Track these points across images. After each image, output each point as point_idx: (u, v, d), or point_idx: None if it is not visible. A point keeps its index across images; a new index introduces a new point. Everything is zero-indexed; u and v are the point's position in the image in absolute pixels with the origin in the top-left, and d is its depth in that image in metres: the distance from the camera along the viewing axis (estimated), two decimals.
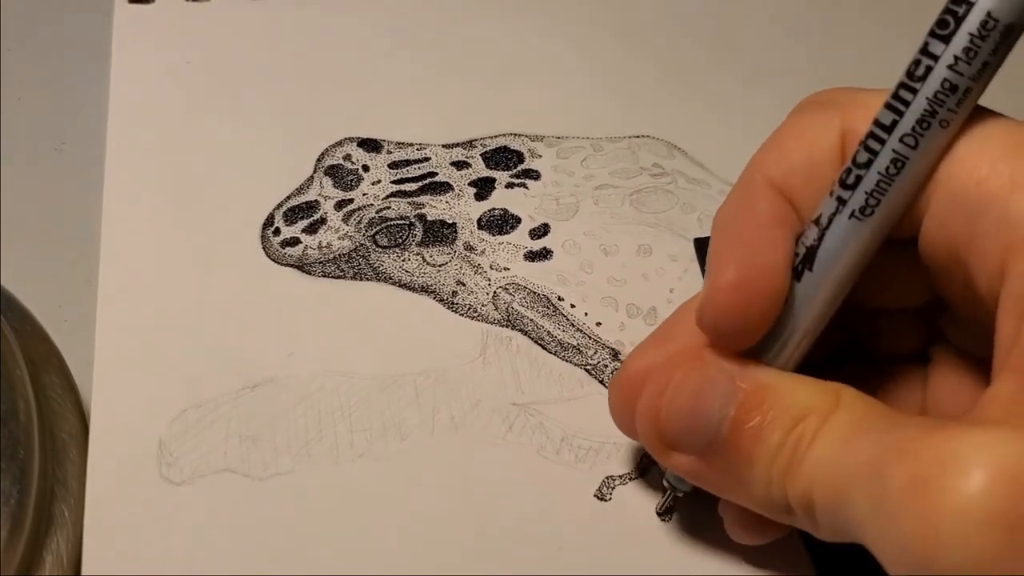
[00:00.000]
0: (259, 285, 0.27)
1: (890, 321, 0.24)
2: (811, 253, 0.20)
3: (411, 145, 0.31)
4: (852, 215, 0.20)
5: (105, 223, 0.28)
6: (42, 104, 0.32)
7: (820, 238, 0.20)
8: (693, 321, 0.21)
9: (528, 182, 0.31)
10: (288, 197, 0.29)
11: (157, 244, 0.28)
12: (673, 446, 0.21)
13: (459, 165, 0.31)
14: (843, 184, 0.20)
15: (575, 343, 0.27)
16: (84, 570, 0.22)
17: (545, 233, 0.30)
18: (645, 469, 0.25)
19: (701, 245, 0.29)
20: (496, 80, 0.34)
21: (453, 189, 0.30)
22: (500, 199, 0.30)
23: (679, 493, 0.23)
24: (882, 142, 0.19)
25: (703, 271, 0.26)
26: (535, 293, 0.28)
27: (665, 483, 0.24)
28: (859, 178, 0.20)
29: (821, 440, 0.19)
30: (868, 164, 0.19)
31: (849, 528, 0.18)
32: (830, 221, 0.20)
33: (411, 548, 0.23)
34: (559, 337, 0.27)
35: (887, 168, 0.19)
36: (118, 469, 0.24)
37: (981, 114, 0.19)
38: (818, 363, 0.21)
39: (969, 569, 0.16)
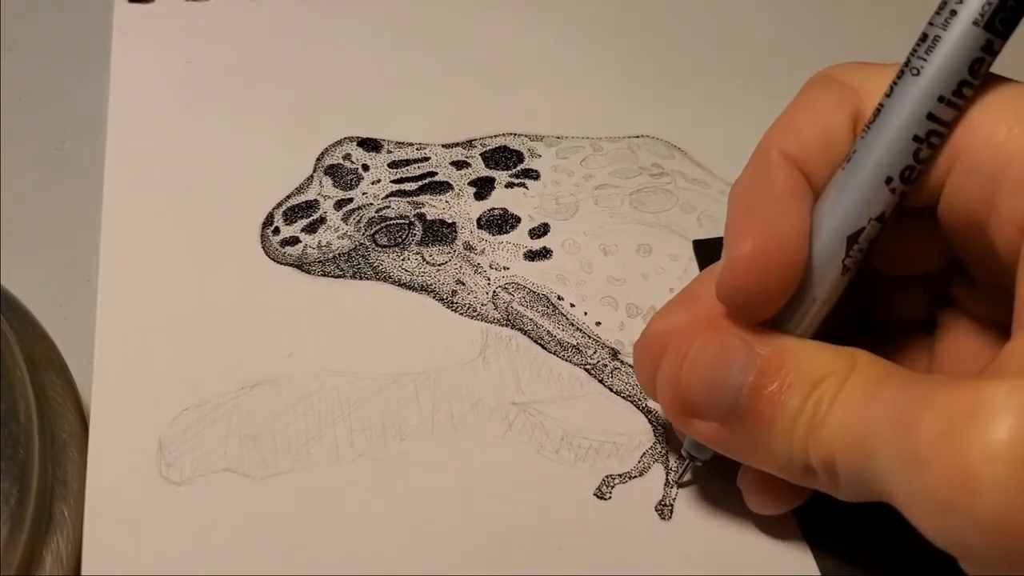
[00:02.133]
0: (259, 284, 0.27)
1: (900, 288, 0.24)
2: (873, 246, 0.21)
3: (411, 145, 0.31)
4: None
5: (105, 223, 0.28)
6: (42, 104, 0.32)
7: (881, 230, 0.21)
8: (713, 284, 0.21)
9: (528, 182, 0.31)
10: (288, 196, 0.29)
11: (157, 243, 0.28)
12: (694, 413, 0.21)
13: (459, 165, 0.31)
14: (909, 181, 0.20)
15: (575, 342, 0.27)
16: (84, 570, 0.22)
17: (545, 233, 0.30)
18: (645, 468, 0.25)
19: (700, 247, 0.29)
20: (496, 80, 0.34)
21: (453, 189, 0.30)
22: (500, 199, 0.30)
23: (698, 463, 0.24)
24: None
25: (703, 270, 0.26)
26: (535, 292, 0.28)
27: (684, 452, 0.24)
28: (919, 173, 0.20)
29: (841, 401, 0.19)
30: (929, 158, 0.20)
31: (873, 485, 0.19)
32: (892, 214, 0.20)
33: (411, 548, 0.23)
34: (559, 336, 0.27)
35: None
36: (118, 469, 0.24)
37: (997, 81, 0.20)
38: (828, 333, 0.22)
39: (1002, 512, 0.16)
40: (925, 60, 0.20)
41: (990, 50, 0.19)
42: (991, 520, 0.17)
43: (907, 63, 0.20)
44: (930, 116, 0.20)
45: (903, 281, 0.24)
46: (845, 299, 0.22)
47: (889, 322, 0.24)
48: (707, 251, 0.29)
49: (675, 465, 0.25)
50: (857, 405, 0.19)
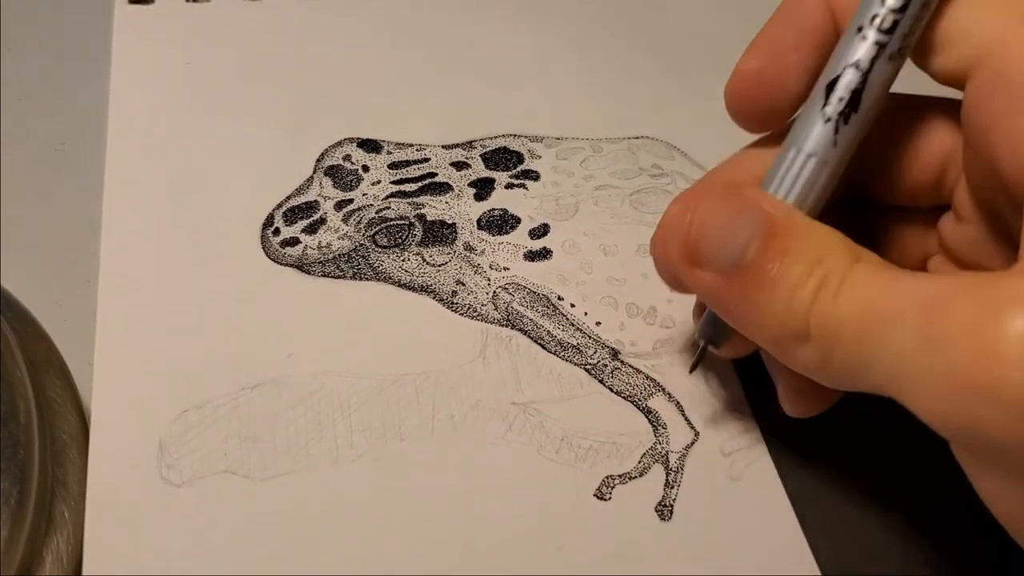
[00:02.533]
0: (259, 285, 0.27)
1: (897, 223, 0.24)
2: (856, 96, 0.21)
3: (411, 146, 0.31)
4: (890, 57, 0.21)
5: (105, 223, 0.28)
6: (42, 104, 0.32)
7: (863, 82, 0.21)
8: (732, 169, 0.24)
9: (528, 183, 0.31)
10: (288, 197, 0.29)
11: (157, 244, 0.28)
12: (698, 261, 0.22)
13: (459, 166, 0.31)
14: (881, 29, 0.21)
15: (575, 343, 0.27)
16: (84, 570, 0.22)
17: (545, 233, 0.30)
18: (645, 469, 0.25)
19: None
20: (496, 81, 0.34)
21: (453, 189, 0.30)
22: (500, 199, 0.30)
23: (711, 347, 0.24)
24: None
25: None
26: (535, 293, 0.28)
27: (697, 338, 0.25)
28: (895, 23, 0.20)
29: (856, 279, 0.19)
30: (904, 8, 0.20)
31: (875, 366, 0.19)
32: (871, 65, 0.21)
33: (411, 548, 0.23)
34: (559, 337, 0.27)
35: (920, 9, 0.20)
36: (118, 470, 0.24)
37: None
38: None
39: None
40: None
41: None
42: (1019, 400, 0.16)
43: None
44: None
45: (899, 215, 0.24)
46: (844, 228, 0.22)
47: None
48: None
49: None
50: (873, 284, 0.19)
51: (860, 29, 0.21)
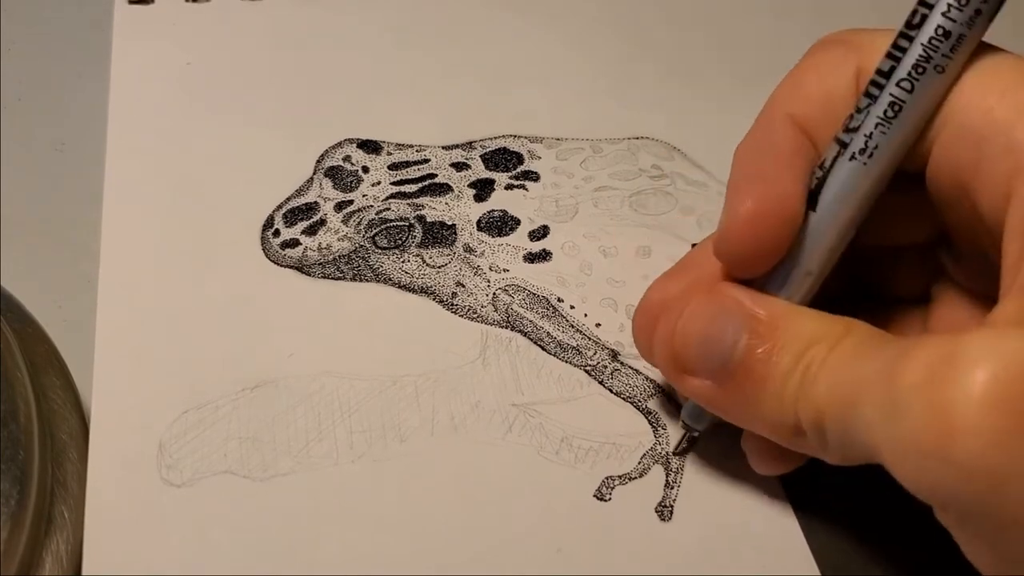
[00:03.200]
0: (259, 286, 0.27)
1: (894, 261, 0.24)
2: (814, 195, 0.21)
3: (411, 147, 0.31)
4: (852, 157, 0.21)
5: (105, 224, 0.28)
6: (42, 104, 0.32)
7: (823, 180, 0.21)
8: (710, 254, 0.22)
9: (527, 183, 0.31)
10: (288, 198, 0.29)
11: (157, 245, 0.28)
12: (687, 370, 0.22)
13: (459, 167, 0.31)
14: (846, 128, 0.21)
15: (575, 344, 0.27)
16: (84, 571, 0.22)
17: (544, 235, 0.30)
18: (645, 470, 0.25)
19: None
20: (495, 82, 0.34)
21: (453, 191, 0.30)
22: (499, 200, 0.30)
23: (694, 432, 0.24)
24: (881, 87, 0.20)
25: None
26: (534, 294, 0.28)
27: (681, 423, 0.25)
28: (860, 123, 0.21)
29: (831, 361, 0.20)
30: (868, 108, 0.20)
31: (857, 442, 0.19)
32: (833, 163, 0.21)
33: (411, 549, 0.23)
34: (559, 338, 0.27)
35: (885, 112, 0.20)
36: (118, 471, 0.24)
37: (988, 50, 0.20)
38: (825, 305, 0.22)
39: (982, 455, 0.16)
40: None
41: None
42: (970, 463, 0.17)
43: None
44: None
45: (897, 254, 0.24)
46: (839, 271, 0.22)
47: (885, 297, 0.25)
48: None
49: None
50: (846, 364, 0.19)
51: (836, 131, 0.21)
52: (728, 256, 0.22)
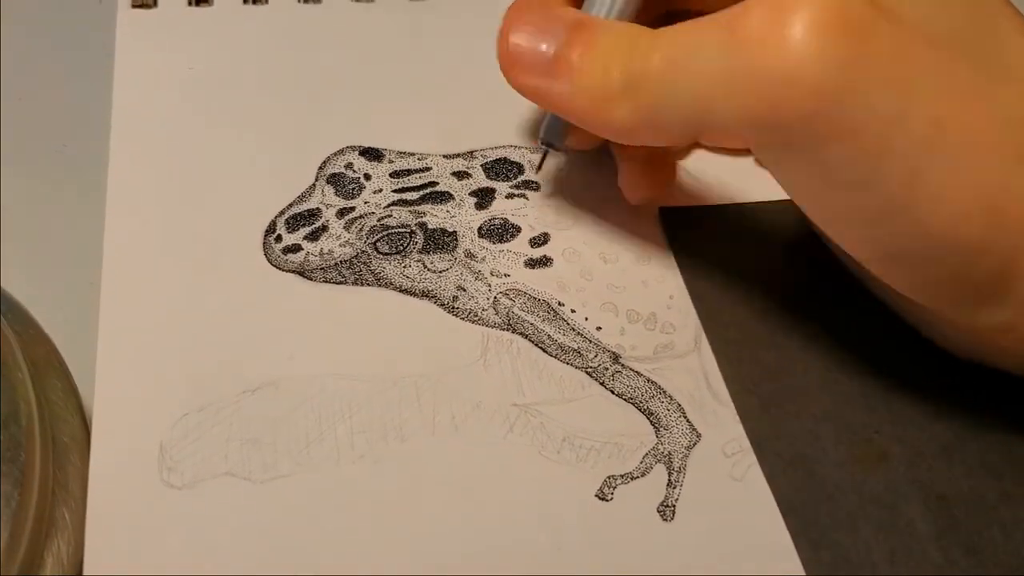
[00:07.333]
0: (260, 290, 0.28)
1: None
2: None
3: (412, 155, 0.32)
4: None
5: (107, 226, 0.28)
6: (45, 106, 0.32)
7: None
8: None
9: (528, 193, 0.31)
10: (290, 205, 0.30)
11: (159, 248, 0.28)
12: (521, 69, 0.26)
13: (460, 175, 0.31)
14: None
15: (576, 347, 0.27)
16: (85, 572, 0.22)
17: (545, 241, 0.30)
18: (647, 470, 0.25)
19: (667, 214, 0.30)
20: (497, 92, 0.34)
21: (454, 199, 0.30)
22: (500, 209, 0.30)
23: (556, 149, 0.29)
24: None
25: (668, 239, 0.30)
26: (535, 299, 0.28)
27: (540, 141, 0.29)
28: None
29: (663, 37, 0.23)
30: None
31: (677, 93, 0.22)
32: None
33: (412, 549, 0.23)
34: (560, 341, 0.27)
35: None
36: (119, 473, 0.24)
37: None
38: None
39: (824, 73, 0.20)
40: None
41: None
42: (813, 80, 0.20)
43: None
44: None
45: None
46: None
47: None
48: (674, 218, 0.30)
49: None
50: (683, 31, 0.23)
51: None
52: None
